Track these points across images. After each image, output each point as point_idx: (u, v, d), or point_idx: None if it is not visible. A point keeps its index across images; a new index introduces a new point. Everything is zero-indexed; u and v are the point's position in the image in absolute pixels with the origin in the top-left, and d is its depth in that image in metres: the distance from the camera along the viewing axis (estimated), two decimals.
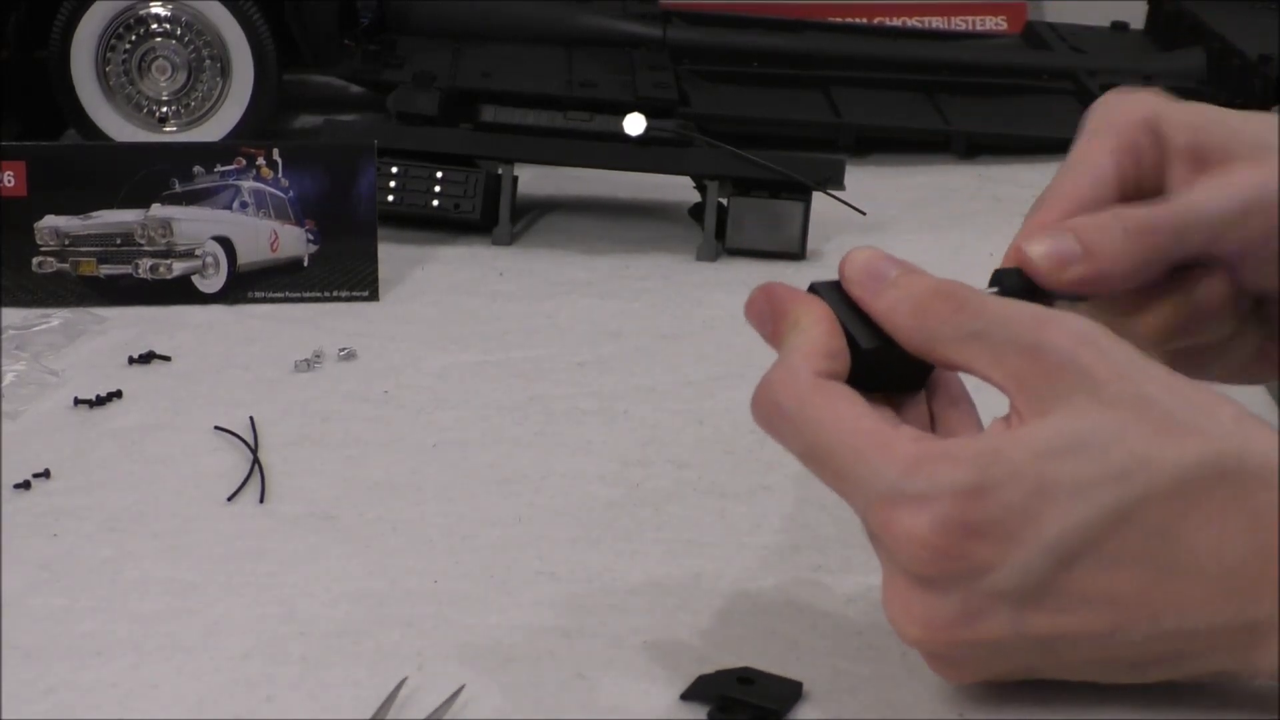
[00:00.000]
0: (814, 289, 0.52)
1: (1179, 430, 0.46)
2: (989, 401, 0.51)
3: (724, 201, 0.96)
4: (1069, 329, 0.48)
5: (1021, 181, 1.06)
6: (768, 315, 0.51)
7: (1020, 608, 0.47)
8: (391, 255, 0.91)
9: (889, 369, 0.50)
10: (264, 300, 0.88)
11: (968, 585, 0.47)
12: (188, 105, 1.09)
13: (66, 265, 0.87)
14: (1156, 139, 0.55)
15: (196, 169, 0.87)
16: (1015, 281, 0.52)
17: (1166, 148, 0.55)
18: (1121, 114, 0.55)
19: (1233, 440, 0.47)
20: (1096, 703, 0.51)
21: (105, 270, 0.87)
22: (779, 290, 0.51)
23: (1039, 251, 0.52)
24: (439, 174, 0.97)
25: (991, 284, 0.52)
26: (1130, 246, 0.52)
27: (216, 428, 0.73)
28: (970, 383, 0.52)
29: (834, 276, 0.52)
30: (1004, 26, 1.41)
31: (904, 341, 0.50)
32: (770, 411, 0.50)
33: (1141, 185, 0.55)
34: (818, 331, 0.50)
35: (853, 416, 0.48)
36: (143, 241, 0.87)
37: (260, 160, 0.87)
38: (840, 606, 0.58)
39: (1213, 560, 0.46)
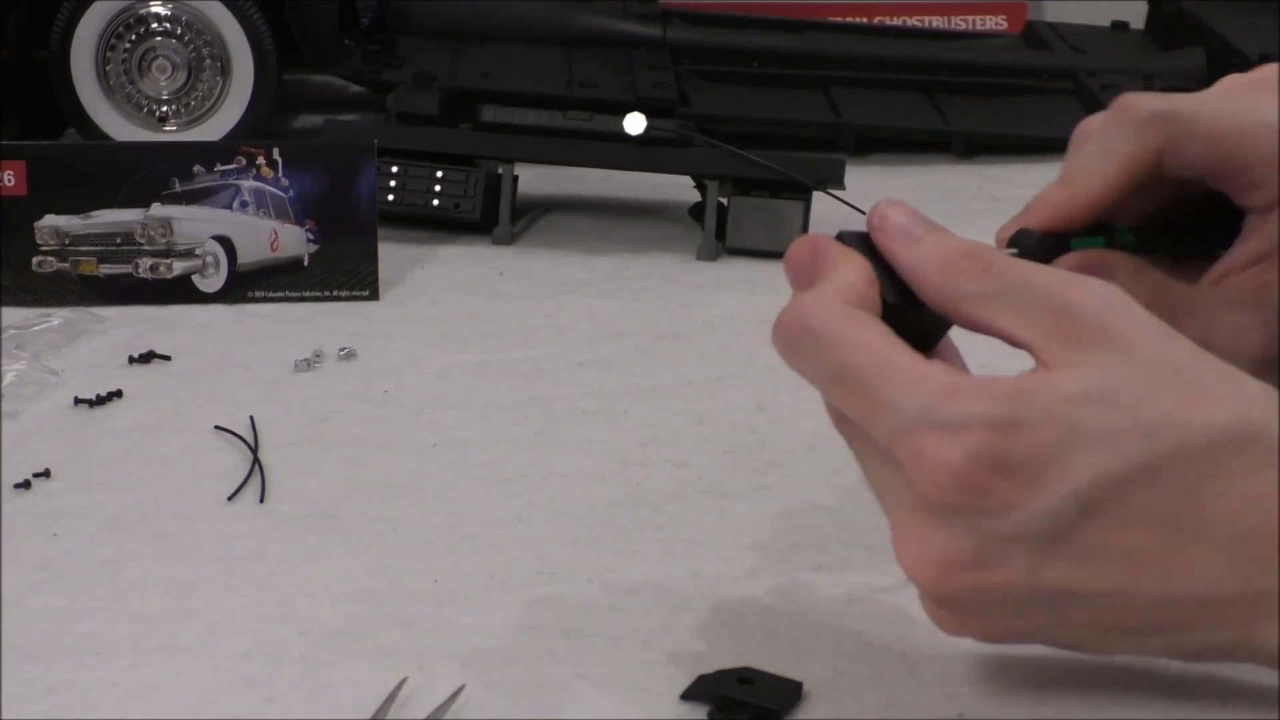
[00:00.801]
0: (841, 237, 0.51)
1: (1208, 395, 0.46)
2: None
3: (724, 201, 0.96)
4: (1097, 292, 0.48)
5: (1021, 181, 1.06)
6: (809, 265, 0.50)
7: (1036, 555, 0.46)
8: (391, 255, 0.91)
9: (907, 326, 0.50)
10: (264, 300, 0.88)
11: (988, 525, 0.46)
12: (188, 105, 1.09)
13: (66, 265, 0.87)
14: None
15: (196, 168, 0.87)
16: (1033, 244, 0.53)
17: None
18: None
19: (1260, 409, 0.47)
20: (1096, 703, 0.51)
21: (105, 270, 0.87)
22: (824, 243, 0.51)
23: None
24: (439, 174, 0.97)
25: (1010, 244, 0.53)
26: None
27: (216, 427, 0.73)
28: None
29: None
30: (1004, 26, 1.41)
31: (929, 297, 0.49)
32: (796, 333, 0.49)
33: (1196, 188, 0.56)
34: (855, 277, 0.49)
35: (886, 343, 0.48)
36: (143, 241, 0.87)
37: (260, 160, 0.87)
38: (840, 606, 0.58)
39: (1229, 527, 0.46)
